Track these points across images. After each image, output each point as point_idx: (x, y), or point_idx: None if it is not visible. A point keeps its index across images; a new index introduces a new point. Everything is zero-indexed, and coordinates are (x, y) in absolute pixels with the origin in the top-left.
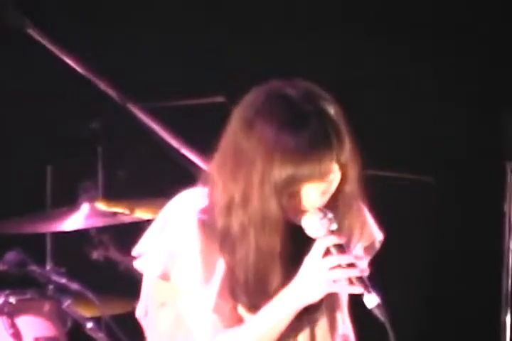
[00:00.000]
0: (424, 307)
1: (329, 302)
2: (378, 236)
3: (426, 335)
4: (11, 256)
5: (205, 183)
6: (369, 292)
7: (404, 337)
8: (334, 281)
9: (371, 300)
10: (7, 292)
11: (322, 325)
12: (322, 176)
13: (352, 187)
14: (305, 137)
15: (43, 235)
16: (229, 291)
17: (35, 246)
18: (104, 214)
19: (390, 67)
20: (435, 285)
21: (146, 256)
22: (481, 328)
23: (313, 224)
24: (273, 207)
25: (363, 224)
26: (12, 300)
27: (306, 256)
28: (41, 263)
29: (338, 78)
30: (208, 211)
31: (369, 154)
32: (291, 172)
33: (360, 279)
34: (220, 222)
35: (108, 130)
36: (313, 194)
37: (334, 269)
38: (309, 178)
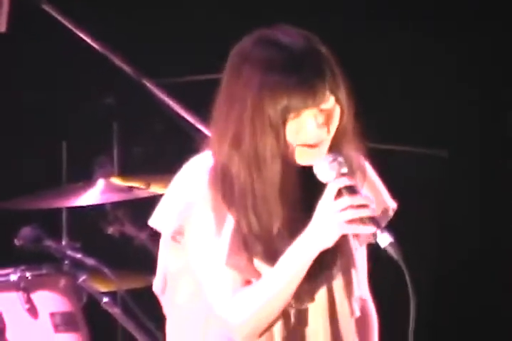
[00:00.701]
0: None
1: (344, 260)
2: (391, 204)
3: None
4: (26, 231)
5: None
6: (382, 231)
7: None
8: (347, 222)
9: (384, 240)
10: (23, 267)
11: (338, 287)
12: (316, 103)
13: (349, 127)
14: (295, 69)
15: (58, 210)
16: (241, 243)
17: (50, 221)
18: (120, 190)
19: (406, 41)
20: (444, 264)
21: (160, 214)
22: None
23: (324, 167)
24: (267, 144)
25: (373, 187)
26: (28, 275)
27: (316, 203)
28: (57, 238)
29: (351, 53)
30: (214, 167)
31: (383, 129)
32: (283, 102)
33: (372, 219)
34: (220, 171)
35: (123, 105)
36: (311, 125)
37: (346, 210)
38: (303, 106)
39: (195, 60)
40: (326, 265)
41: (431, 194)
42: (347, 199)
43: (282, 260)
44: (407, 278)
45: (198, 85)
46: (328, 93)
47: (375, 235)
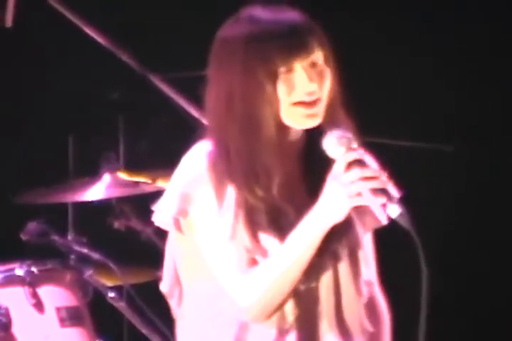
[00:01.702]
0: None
1: (350, 242)
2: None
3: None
4: (32, 226)
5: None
6: (392, 202)
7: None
8: (358, 195)
9: (395, 210)
10: (29, 262)
11: (344, 269)
12: (306, 52)
13: (338, 97)
14: (281, 21)
15: (64, 205)
16: (245, 216)
17: (57, 216)
18: (126, 184)
19: (410, 34)
20: (448, 258)
21: (163, 200)
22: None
23: (333, 143)
24: (260, 104)
25: None
26: (34, 270)
27: (316, 172)
28: (63, 233)
29: (356, 44)
30: (213, 141)
31: (386, 123)
32: (272, 54)
33: (382, 190)
34: (218, 141)
35: (129, 100)
36: (303, 78)
37: (356, 182)
38: (293, 55)
39: (201, 54)
40: (332, 244)
41: (436, 189)
42: (357, 172)
43: (292, 235)
44: (419, 248)
45: (204, 80)
46: (316, 45)
47: (385, 206)
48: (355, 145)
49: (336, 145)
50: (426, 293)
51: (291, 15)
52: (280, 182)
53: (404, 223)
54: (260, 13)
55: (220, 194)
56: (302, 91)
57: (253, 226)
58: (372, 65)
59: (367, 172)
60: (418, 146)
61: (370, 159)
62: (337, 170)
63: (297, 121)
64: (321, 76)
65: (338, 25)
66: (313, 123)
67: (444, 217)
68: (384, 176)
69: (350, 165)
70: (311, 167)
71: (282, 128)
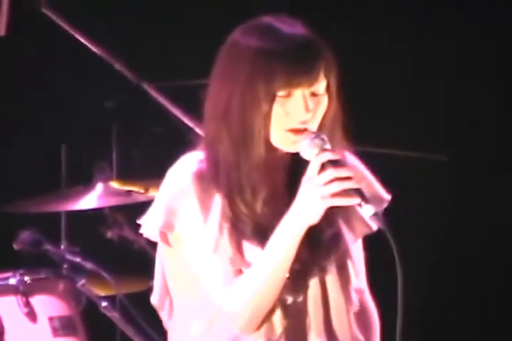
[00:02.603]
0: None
1: (339, 252)
2: (385, 195)
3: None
4: (25, 235)
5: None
6: (366, 202)
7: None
8: (332, 196)
9: (369, 210)
10: (22, 271)
11: (333, 281)
12: (310, 81)
13: (337, 121)
14: (292, 44)
15: (57, 214)
16: (229, 227)
17: (49, 225)
18: (119, 193)
19: (404, 44)
20: (448, 269)
21: (149, 213)
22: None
23: (306, 144)
24: (255, 121)
25: (365, 179)
26: (27, 279)
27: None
28: (56, 242)
29: (348, 53)
30: (204, 148)
31: (383, 133)
32: (276, 75)
33: (356, 190)
34: (210, 148)
35: (122, 109)
36: (300, 106)
37: (330, 183)
38: (296, 82)
39: (194, 63)
40: (319, 256)
41: (431, 198)
42: (331, 172)
43: (271, 241)
44: (394, 247)
45: (198, 89)
46: (322, 75)
47: (360, 206)
48: (328, 146)
49: (309, 146)
50: (402, 292)
51: (305, 35)
52: (265, 198)
53: (379, 223)
54: (275, 25)
55: (204, 206)
56: (296, 120)
57: (238, 238)
58: (366, 74)
59: (341, 173)
60: (413, 156)
61: (343, 160)
62: (311, 171)
63: (286, 145)
64: (317, 104)
65: (335, 30)
66: (298, 150)
67: (438, 223)
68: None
69: (324, 166)
70: (297, 180)
71: (271, 147)
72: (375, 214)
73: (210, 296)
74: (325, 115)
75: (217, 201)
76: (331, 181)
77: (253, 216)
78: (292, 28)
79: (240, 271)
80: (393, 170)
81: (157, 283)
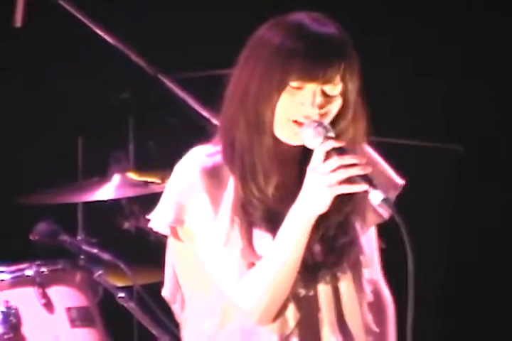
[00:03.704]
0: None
1: (350, 247)
2: (398, 180)
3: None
4: (42, 226)
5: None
6: (374, 188)
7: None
8: (338, 183)
9: (377, 196)
10: (39, 262)
11: (345, 276)
12: (324, 79)
13: (355, 128)
14: (317, 40)
15: (74, 205)
16: (241, 222)
17: (66, 216)
18: (135, 184)
19: (421, 35)
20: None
21: (158, 208)
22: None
23: (309, 133)
24: (267, 108)
25: (378, 166)
26: (44, 270)
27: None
28: (73, 233)
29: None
30: (216, 152)
31: (398, 123)
32: (294, 66)
33: (363, 177)
34: (226, 133)
35: (139, 100)
36: (308, 100)
37: (336, 171)
38: (310, 76)
39: (210, 54)
40: (330, 248)
41: (445, 189)
42: (336, 160)
43: (281, 231)
44: (404, 232)
45: (214, 80)
46: (338, 78)
47: (367, 192)
48: (331, 134)
49: (313, 135)
50: (412, 277)
51: (333, 35)
52: (277, 184)
53: (388, 208)
54: (307, 22)
55: (214, 200)
56: (301, 112)
57: (248, 228)
58: (383, 63)
59: (346, 160)
60: (427, 146)
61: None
62: (315, 160)
63: (289, 137)
64: (327, 104)
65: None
66: (300, 142)
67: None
68: (364, 161)
69: (329, 154)
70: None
71: (276, 137)
72: (384, 200)
73: (223, 291)
74: (340, 117)
75: (228, 194)
76: (337, 169)
77: (264, 200)
78: (322, 26)
79: (252, 264)
80: (407, 159)
81: (168, 276)
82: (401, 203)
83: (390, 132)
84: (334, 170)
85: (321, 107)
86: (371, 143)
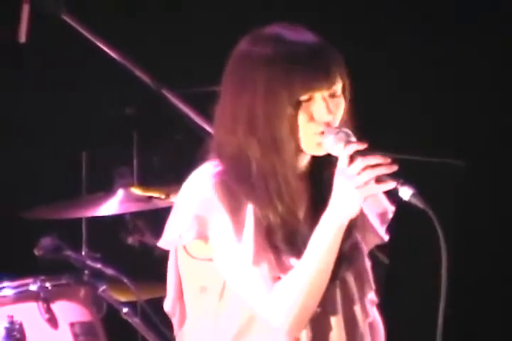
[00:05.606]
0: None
1: (357, 264)
2: (390, 207)
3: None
4: (46, 241)
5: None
6: (402, 185)
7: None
8: (366, 184)
9: (406, 192)
10: (43, 277)
11: (351, 289)
12: (329, 83)
13: (348, 113)
14: (307, 49)
15: (78, 220)
16: (265, 235)
17: (70, 231)
18: (139, 199)
19: (424, 49)
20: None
21: (175, 222)
22: None
23: (331, 140)
24: (282, 127)
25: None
26: (48, 285)
27: (323, 198)
28: (77, 248)
29: (365, 59)
30: (222, 172)
31: (400, 138)
32: (296, 80)
33: (390, 175)
34: (236, 159)
35: (143, 115)
36: (322, 108)
37: (362, 172)
38: (316, 85)
39: (215, 69)
40: (339, 267)
41: (448, 203)
42: (361, 162)
43: (313, 239)
44: (437, 225)
45: (219, 96)
46: (338, 76)
47: (396, 190)
48: (353, 138)
49: (335, 142)
50: (445, 269)
51: (317, 40)
52: (306, 209)
53: (419, 203)
54: (285, 32)
55: (236, 219)
56: (321, 123)
57: (274, 247)
58: (385, 79)
59: (370, 161)
60: (429, 161)
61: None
62: (341, 164)
63: (312, 148)
64: (337, 107)
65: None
66: (324, 151)
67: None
68: (389, 160)
69: (353, 157)
70: (315, 188)
71: (299, 152)
72: (414, 195)
73: (253, 309)
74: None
75: (249, 212)
76: (362, 170)
77: (289, 219)
78: (301, 34)
79: (278, 278)
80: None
81: (170, 290)
82: (403, 219)
83: (390, 147)
84: (360, 172)
85: (334, 111)
86: None
